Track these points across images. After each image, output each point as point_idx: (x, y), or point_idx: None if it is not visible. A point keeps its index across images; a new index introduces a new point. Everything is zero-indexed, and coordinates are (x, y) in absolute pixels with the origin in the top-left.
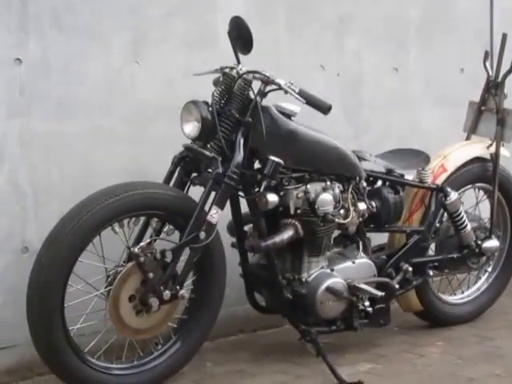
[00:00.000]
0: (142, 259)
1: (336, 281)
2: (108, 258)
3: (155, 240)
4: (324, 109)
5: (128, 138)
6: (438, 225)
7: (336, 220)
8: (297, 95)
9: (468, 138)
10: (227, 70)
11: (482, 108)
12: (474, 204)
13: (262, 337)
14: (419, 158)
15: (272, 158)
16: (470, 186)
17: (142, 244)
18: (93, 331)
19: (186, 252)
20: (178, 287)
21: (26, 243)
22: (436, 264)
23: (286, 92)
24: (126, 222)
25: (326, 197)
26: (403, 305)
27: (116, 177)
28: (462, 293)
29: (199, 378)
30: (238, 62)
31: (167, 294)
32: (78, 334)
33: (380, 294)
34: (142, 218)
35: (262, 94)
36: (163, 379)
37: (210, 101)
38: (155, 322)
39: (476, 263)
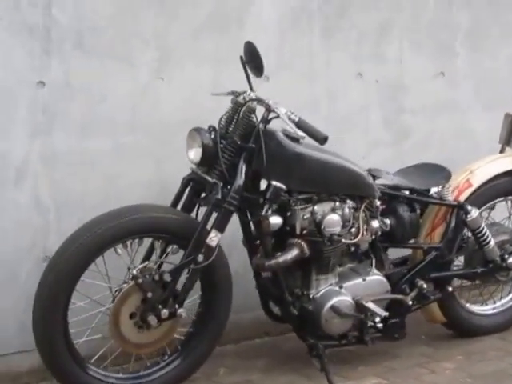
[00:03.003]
0: (140, 280)
1: (342, 299)
2: (115, 276)
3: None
4: (320, 139)
5: (151, 153)
6: (461, 240)
7: (343, 240)
8: (292, 124)
9: (502, 151)
10: (236, 96)
11: None
12: (506, 217)
13: (287, 340)
14: (440, 174)
15: (274, 183)
16: (502, 198)
17: (140, 266)
18: (98, 343)
19: None
20: (176, 306)
21: (47, 253)
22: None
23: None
24: (128, 243)
25: (333, 217)
26: (426, 316)
27: (138, 191)
28: (493, 303)
29: None
30: (251, 88)
31: (165, 312)
32: (85, 346)
33: (384, 314)
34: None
35: (265, 120)
36: None
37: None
38: (157, 338)
39: (505, 276)
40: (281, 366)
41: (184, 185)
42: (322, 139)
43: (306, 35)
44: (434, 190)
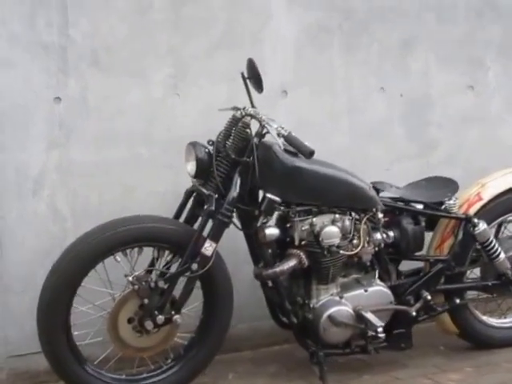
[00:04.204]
0: (136, 287)
1: (341, 309)
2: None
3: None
4: (306, 153)
5: (166, 165)
6: (474, 253)
7: (341, 252)
8: (280, 139)
9: None
10: (235, 111)
11: None
12: None
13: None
14: (447, 188)
15: (268, 195)
16: None
17: (136, 273)
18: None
19: None
20: (173, 312)
21: None
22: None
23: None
24: (128, 251)
25: (331, 229)
26: (438, 327)
27: (153, 202)
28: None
29: None
30: (251, 103)
31: (161, 318)
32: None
33: (380, 324)
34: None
35: (260, 135)
36: None
37: None
38: (155, 342)
39: None
40: (289, 373)
41: (186, 196)
42: (308, 153)
43: (326, 50)
44: (447, 204)
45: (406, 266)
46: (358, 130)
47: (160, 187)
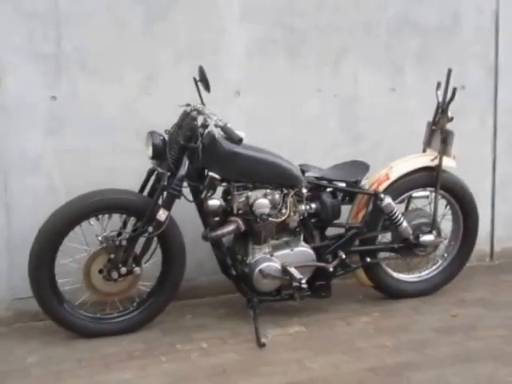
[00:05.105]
0: (104, 245)
1: (270, 264)
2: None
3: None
4: (236, 140)
5: (139, 149)
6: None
7: (270, 219)
8: (215, 129)
9: (424, 151)
10: (185, 107)
11: (433, 127)
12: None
13: None
14: (359, 169)
15: (210, 173)
16: (420, 189)
17: (104, 234)
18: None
19: None
20: (134, 265)
21: None
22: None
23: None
24: (100, 217)
25: (262, 201)
26: (356, 281)
27: (129, 179)
28: (419, 273)
29: (168, 327)
30: (201, 101)
31: (123, 269)
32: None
33: (299, 276)
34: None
35: (204, 126)
36: (137, 327)
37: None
38: (121, 288)
39: (423, 251)
40: (234, 315)
41: (148, 174)
42: (237, 140)
43: (272, 59)
44: (363, 182)
45: (331, 231)
46: (298, 124)
47: (134, 167)
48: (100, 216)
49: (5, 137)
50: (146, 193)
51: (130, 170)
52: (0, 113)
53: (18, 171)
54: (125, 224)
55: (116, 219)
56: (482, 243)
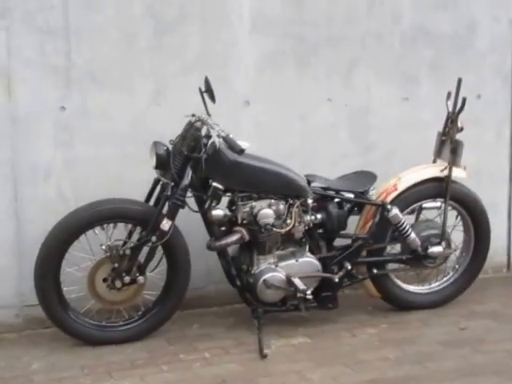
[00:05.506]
0: (108, 254)
1: (274, 275)
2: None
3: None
4: (237, 151)
5: (147, 159)
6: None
7: (274, 229)
8: (217, 139)
9: (434, 161)
10: (190, 117)
11: (443, 138)
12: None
13: None
14: (366, 179)
15: (213, 184)
16: (430, 200)
17: (108, 243)
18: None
19: None
20: (137, 274)
21: None
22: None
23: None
24: (105, 226)
25: (266, 211)
26: (364, 291)
27: (138, 188)
28: (429, 284)
29: (173, 336)
30: (207, 111)
31: (127, 278)
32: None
33: (303, 287)
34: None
35: (207, 136)
36: (142, 336)
37: None
38: (126, 297)
39: (432, 263)
40: (240, 325)
41: (154, 183)
42: (239, 151)
43: (281, 70)
44: (371, 192)
45: (339, 242)
46: (309, 134)
47: (142, 177)
48: (105, 225)
49: (15, 147)
50: (152, 202)
51: (139, 180)
52: (11, 124)
53: (28, 181)
54: (130, 233)
55: (122, 228)
56: (498, 254)
